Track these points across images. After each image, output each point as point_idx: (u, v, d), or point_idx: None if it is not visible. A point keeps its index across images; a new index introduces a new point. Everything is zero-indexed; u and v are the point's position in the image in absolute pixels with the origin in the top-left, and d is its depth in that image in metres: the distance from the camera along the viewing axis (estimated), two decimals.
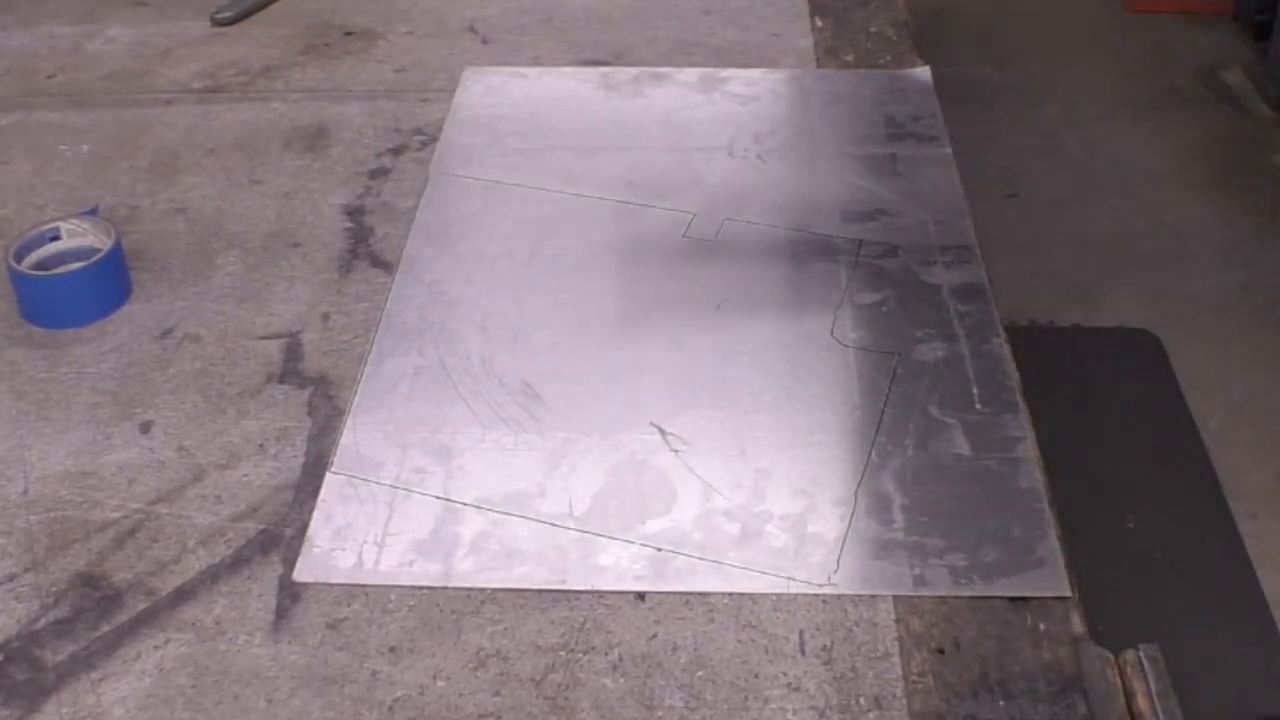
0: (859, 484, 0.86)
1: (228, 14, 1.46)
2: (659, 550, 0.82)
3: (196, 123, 1.28)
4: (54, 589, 0.81)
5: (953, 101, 1.30)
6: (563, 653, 0.76)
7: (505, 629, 0.78)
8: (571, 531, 0.83)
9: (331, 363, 0.98)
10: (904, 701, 0.73)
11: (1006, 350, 0.97)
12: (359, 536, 0.83)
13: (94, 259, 1.03)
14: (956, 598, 0.78)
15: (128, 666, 0.76)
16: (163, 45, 1.42)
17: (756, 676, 0.75)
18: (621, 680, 0.75)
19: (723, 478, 0.87)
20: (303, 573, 0.81)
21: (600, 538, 0.83)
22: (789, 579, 0.80)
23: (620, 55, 1.38)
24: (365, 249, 1.10)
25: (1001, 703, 0.73)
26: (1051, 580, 0.79)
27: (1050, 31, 3.17)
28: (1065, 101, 2.86)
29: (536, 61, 1.37)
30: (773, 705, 0.73)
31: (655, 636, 0.77)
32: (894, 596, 0.79)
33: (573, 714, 0.73)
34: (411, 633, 0.78)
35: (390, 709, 0.73)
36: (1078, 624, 0.77)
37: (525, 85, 1.32)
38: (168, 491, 0.87)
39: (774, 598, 0.79)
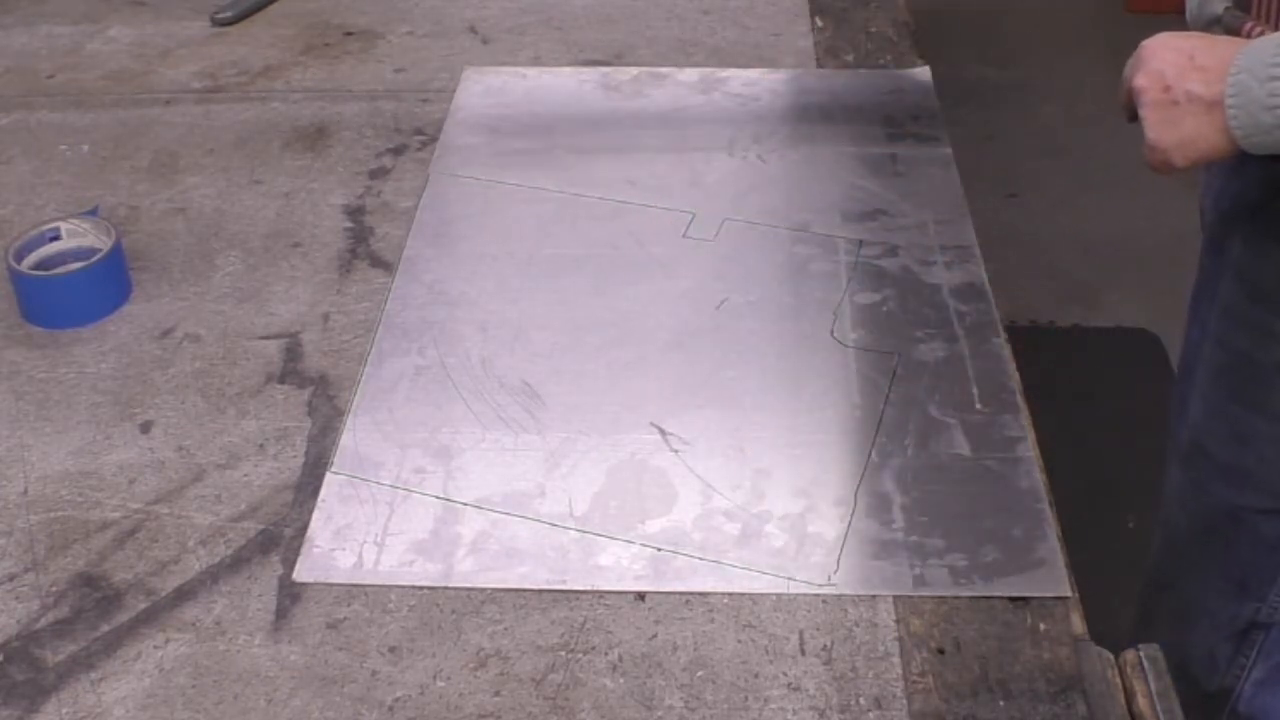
0: (859, 484, 0.86)
1: (228, 14, 1.47)
2: (659, 550, 0.82)
3: (196, 123, 1.28)
4: (54, 589, 0.81)
5: (953, 101, 1.30)
6: (563, 653, 0.76)
7: (505, 629, 0.78)
8: (571, 531, 0.83)
9: (331, 363, 0.98)
10: (904, 701, 0.73)
11: (1006, 350, 0.97)
12: (359, 536, 0.83)
13: (94, 259, 1.03)
14: (956, 598, 0.78)
15: (128, 666, 0.76)
16: (163, 45, 1.42)
17: (756, 676, 0.75)
18: (621, 680, 0.75)
19: (723, 478, 0.87)
20: (303, 573, 0.81)
21: (600, 538, 0.83)
22: (789, 579, 0.80)
23: (620, 55, 1.38)
24: (365, 249, 1.10)
25: (1001, 703, 0.73)
26: (1051, 580, 0.79)
27: (1050, 31, 3.17)
28: (1065, 101, 2.86)
29: (536, 61, 1.37)
30: (773, 705, 0.73)
31: (655, 636, 0.77)
32: (894, 596, 0.79)
33: (573, 714, 0.73)
34: (411, 633, 0.78)
35: (390, 709, 0.73)
36: (1078, 624, 0.77)
37: (525, 85, 1.32)
38: (168, 491, 0.87)
39: (774, 598, 0.79)
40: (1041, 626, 0.77)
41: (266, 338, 1.01)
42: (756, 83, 1.32)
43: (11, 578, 0.82)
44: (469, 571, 0.81)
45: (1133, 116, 0.96)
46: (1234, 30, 0.97)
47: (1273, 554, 1.09)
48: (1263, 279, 1.03)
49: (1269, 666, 1.13)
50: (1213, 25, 1.00)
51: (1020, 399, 0.92)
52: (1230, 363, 1.07)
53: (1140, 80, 0.93)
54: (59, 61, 1.39)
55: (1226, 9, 0.98)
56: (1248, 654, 1.13)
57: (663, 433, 0.90)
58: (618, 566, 0.81)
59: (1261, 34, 0.94)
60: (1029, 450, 0.88)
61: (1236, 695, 1.15)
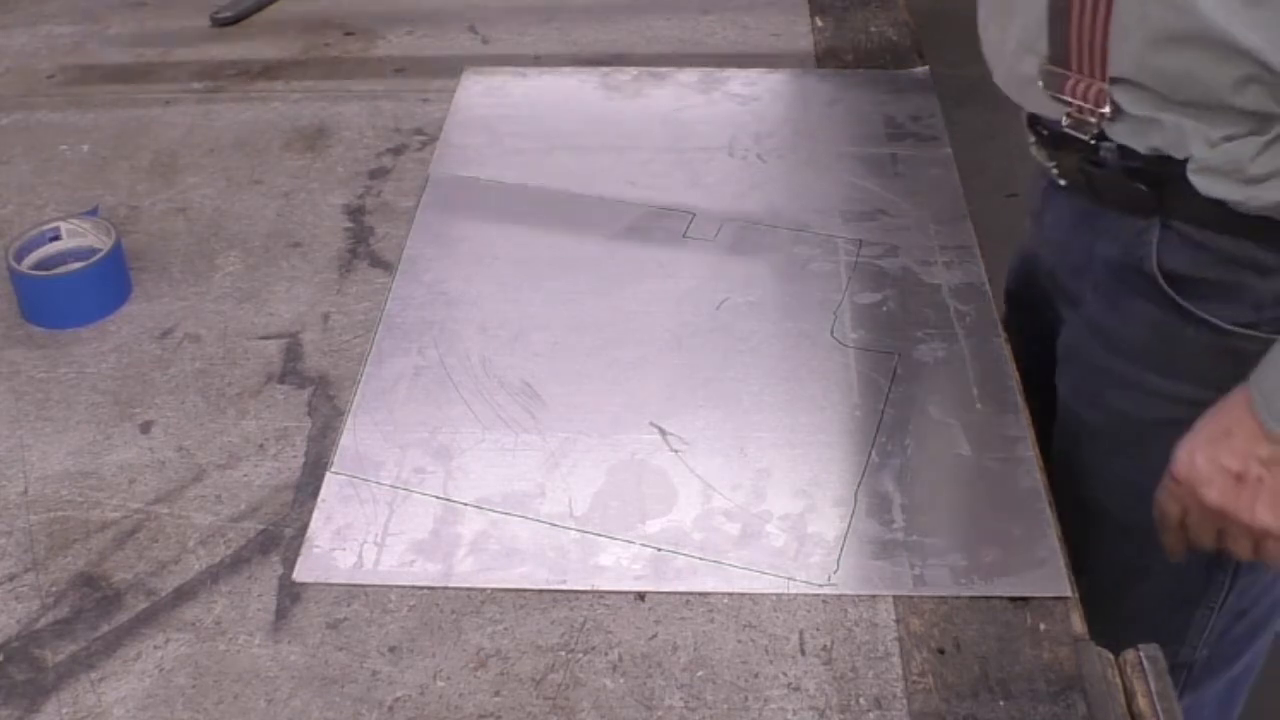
0: (859, 484, 0.86)
1: (228, 14, 1.47)
2: (659, 550, 0.82)
3: (196, 123, 1.28)
4: (54, 589, 0.81)
5: (953, 102, 1.30)
6: (563, 653, 0.76)
7: (505, 629, 0.78)
8: (571, 531, 0.83)
9: (331, 363, 0.98)
10: (904, 701, 0.73)
11: (1006, 350, 0.97)
12: (359, 536, 0.83)
13: (94, 259, 1.03)
14: (956, 598, 0.78)
15: (128, 666, 0.76)
16: (163, 45, 1.42)
17: (756, 676, 0.75)
18: (621, 680, 0.75)
19: (723, 478, 0.87)
20: (303, 573, 0.81)
21: (600, 538, 0.83)
22: (789, 579, 0.80)
23: (620, 55, 1.38)
24: (365, 249, 1.10)
25: (1001, 703, 0.73)
26: (1051, 580, 0.79)
27: None
28: None
29: (536, 61, 1.37)
30: (773, 705, 0.73)
31: (655, 636, 0.77)
32: (894, 596, 0.79)
33: (573, 714, 0.73)
34: (411, 633, 0.78)
35: (390, 709, 0.73)
36: (1078, 624, 0.77)
37: (525, 85, 1.32)
38: (168, 491, 0.87)
39: (774, 598, 0.79)
40: (1041, 626, 0.77)
41: (266, 338, 1.01)
42: (756, 83, 1.32)
43: (11, 578, 0.82)
44: (469, 571, 0.81)
45: (1214, 541, 0.88)
46: (1057, 89, 0.90)
47: (1182, 606, 1.04)
48: (1122, 333, 0.97)
49: (1190, 700, 1.11)
50: (1027, 86, 0.93)
51: (1020, 399, 0.92)
52: (1109, 421, 1.00)
53: (1213, 496, 0.84)
54: (59, 61, 1.39)
55: (1043, 69, 0.91)
56: (1175, 684, 1.10)
57: (663, 433, 0.90)
58: (618, 566, 0.81)
59: (1086, 90, 0.88)
60: (1029, 450, 0.88)
61: None
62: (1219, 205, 0.86)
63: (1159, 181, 0.88)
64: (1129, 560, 1.03)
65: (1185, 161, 0.86)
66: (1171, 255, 0.90)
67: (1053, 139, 0.95)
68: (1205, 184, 0.85)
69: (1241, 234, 0.86)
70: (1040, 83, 0.91)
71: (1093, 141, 0.90)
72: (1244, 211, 0.85)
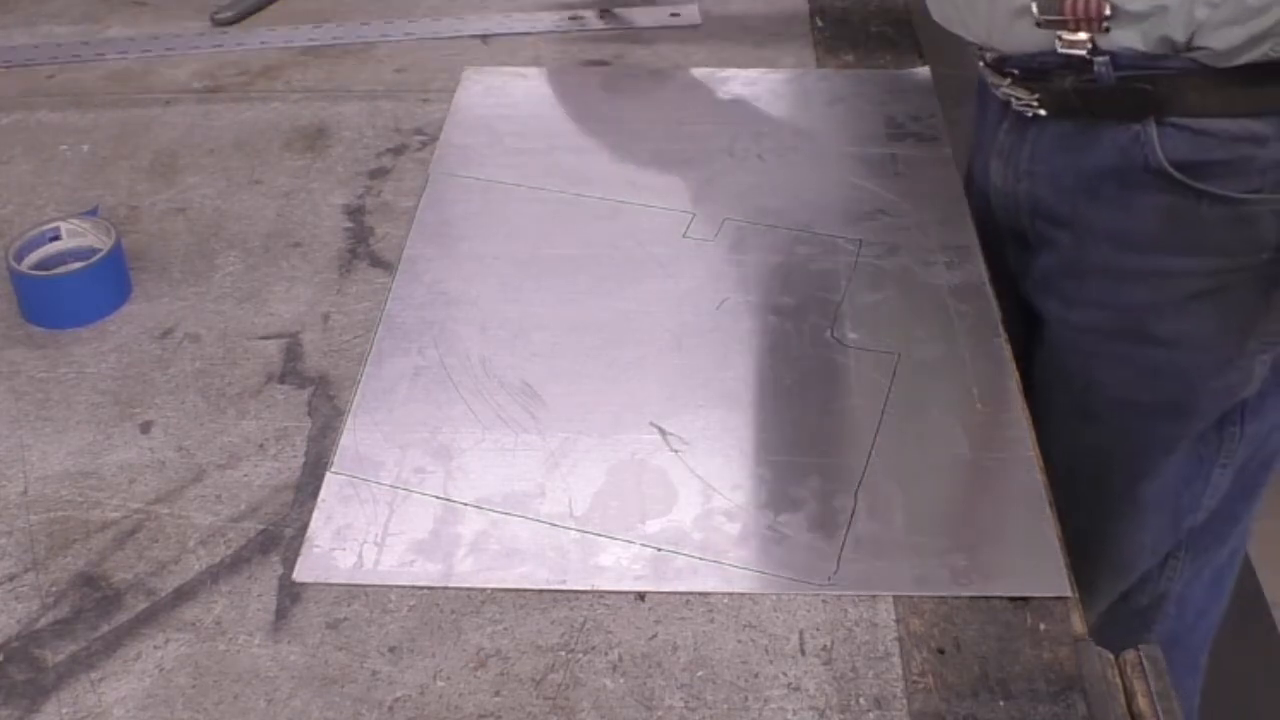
0: (859, 484, 0.86)
1: (228, 14, 1.47)
2: (659, 550, 0.82)
3: (196, 123, 1.28)
4: (54, 589, 0.81)
5: (953, 102, 1.30)
6: (563, 653, 0.76)
7: (505, 629, 0.78)
8: (571, 531, 0.83)
9: (331, 363, 0.98)
10: (904, 701, 0.73)
11: (1007, 350, 0.97)
12: (359, 536, 0.83)
13: (94, 259, 1.03)
14: (956, 598, 0.78)
15: (128, 666, 0.76)
16: (163, 45, 1.42)
17: (756, 676, 0.75)
18: (621, 680, 0.75)
19: (723, 478, 0.87)
20: (303, 573, 0.81)
21: (600, 538, 0.83)
22: (789, 579, 0.80)
23: (620, 55, 1.38)
24: (365, 249, 1.10)
25: (1001, 703, 0.73)
26: (1052, 580, 0.79)
27: None
28: None
29: (536, 61, 1.37)
30: (773, 705, 0.73)
31: (655, 636, 0.77)
32: (894, 596, 0.79)
33: (573, 714, 0.73)
34: (411, 633, 0.78)
35: (390, 709, 0.73)
36: (1078, 624, 0.77)
37: (525, 85, 1.32)
38: (168, 491, 0.87)
39: (774, 598, 0.79)
40: (1041, 626, 0.77)
41: (266, 338, 1.01)
42: (756, 82, 1.32)
43: (11, 578, 0.82)
44: (469, 571, 0.81)
45: None
46: (1055, 12, 0.94)
47: (1201, 469, 1.10)
48: (1134, 228, 1.02)
49: (1189, 572, 1.16)
50: (1016, 22, 0.97)
51: (1020, 399, 0.92)
52: (1130, 316, 1.06)
53: None
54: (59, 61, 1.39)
55: None
56: (1174, 566, 1.15)
57: (663, 433, 0.90)
58: (618, 566, 0.81)
59: (1087, 4, 0.93)
60: (1029, 450, 0.88)
61: (1165, 597, 1.19)
62: (1212, 89, 0.92)
63: (1155, 80, 0.94)
64: (1158, 436, 1.09)
65: (1185, 50, 0.91)
66: (1175, 146, 0.96)
67: (1031, 73, 1.00)
68: (1218, 39, 0.89)
69: (1236, 113, 0.93)
70: (1035, 10, 0.96)
71: (1088, 57, 0.95)
72: (1252, 60, 0.90)
